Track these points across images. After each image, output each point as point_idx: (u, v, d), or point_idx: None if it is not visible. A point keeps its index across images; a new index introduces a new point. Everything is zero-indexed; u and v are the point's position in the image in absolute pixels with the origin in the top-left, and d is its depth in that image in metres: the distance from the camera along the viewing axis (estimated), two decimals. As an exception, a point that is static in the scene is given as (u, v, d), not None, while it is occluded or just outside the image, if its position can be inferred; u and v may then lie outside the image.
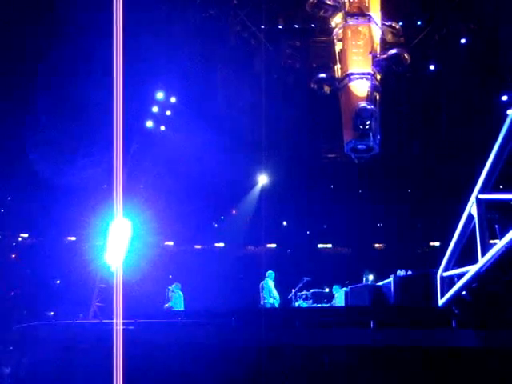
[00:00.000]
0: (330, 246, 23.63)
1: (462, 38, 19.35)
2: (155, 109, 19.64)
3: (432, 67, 20.24)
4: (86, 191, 19.52)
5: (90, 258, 17.14)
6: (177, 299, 16.43)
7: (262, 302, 15.67)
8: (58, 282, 20.93)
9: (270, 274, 15.97)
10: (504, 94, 19.39)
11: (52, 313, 18.95)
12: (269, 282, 15.79)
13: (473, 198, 9.04)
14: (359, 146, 14.28)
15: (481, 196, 8.86)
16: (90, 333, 11.62)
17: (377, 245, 23.54)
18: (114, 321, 10.22)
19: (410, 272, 15.20)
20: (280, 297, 15.86)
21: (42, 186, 19.69)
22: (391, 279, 12.93)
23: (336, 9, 15.36)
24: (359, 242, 22.35)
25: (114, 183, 10.44)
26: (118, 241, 16.23)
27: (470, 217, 9.17)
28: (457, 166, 18.99)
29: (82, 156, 18.00)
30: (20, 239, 23.53)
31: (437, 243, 22.23)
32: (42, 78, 17.90)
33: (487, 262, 8.59)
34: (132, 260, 16.20)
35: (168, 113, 20.00)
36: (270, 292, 15.63)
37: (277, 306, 15.73)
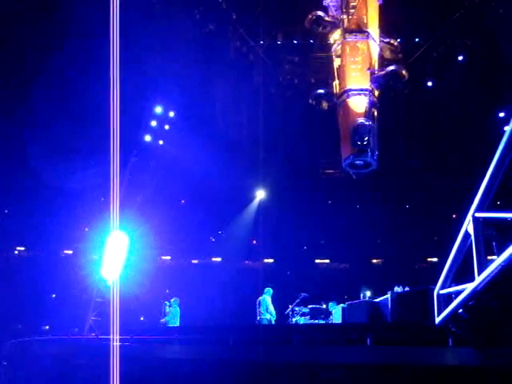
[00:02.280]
0: (327, 261, 23.60)
1: (460, 54, 19.52)
2: (154, 123, 19.71)
3: (430, 84, 20.38)
4: (83, 205, 19.52)
5: (86, 272, 17.09)
6: (173, 314, 16.36)
7: (258, 318, 15.60)
8: (54, 295, 20.82)
9: (268, 290, 15.92)
10: (501, 111, 19.49)
11: (47, 327, 18.83)
12: (266, 298, 15.73)
13: (469, 216, 9.01)
14: (357, 162, 14.24)
15: (477, 214, 8.84)
16: (85, 348, 11.53)
17: (374, 260, 23.53)
18: (111, 337, 10.13)
19: (407, 288, 15.16)
20: (277, 312, 15.79)
21: (38, 199, 19.67)
22: (388, 296, 12.88)
23: (334, 25, 15.42)
24: (357, 257, 22.34)
25: (111, 196, 10.40)
26: (115, 255, 16.20)
27: (467, 235, 9.15)
28: (455, 182, 19.06)
29: (80, 169, 17.99)
30: (16, 252, 23.46)
31: (435, 259, 22.20)
32: (40, 90, 17.92)
33: (484, 280, 8.55)
34: (129, 274, 16.16)
35: (166, 127, 20.07)
36: (267, 308, 15.57)
37: (273, 322, 15.66)
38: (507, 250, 7.76)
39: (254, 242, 23.46)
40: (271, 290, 15.89)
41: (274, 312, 15.67)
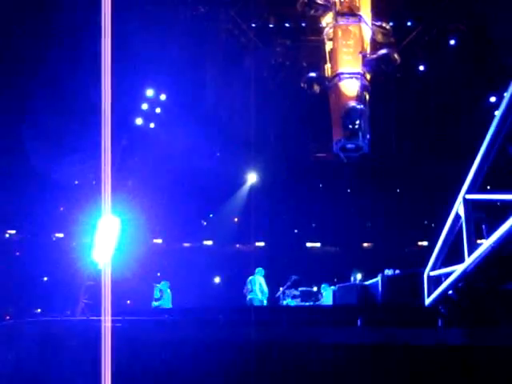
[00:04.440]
0: (318, 244, 23.71)
1: (451, 38, 19.54)
2: (145, 106, 19.61)
3: (421, 67, 20.42)
4: (75, 188, 19.45)
5: (77, 256, 17.07)
6: (167, 297, 16.43)
7: (248, 298, 15.68)
8: (46, 278, 20.82)
9: (260, 270, 16.01)
10: (492, 95, 19.57)
11: (39, 310, 18.84)
12: (257, 278, 15.82)
13: (460, 198, 9.08)
14: (348, 146, 14.34)
15: (468, 196, 8.91)
16: (76, 329, 11.54)
17: (365, 244, 23.66)
18: (102, 318, 10.16)
19: (397, 271, 15.28)
20: (268, 295, 15.89)
21: (29, 182, 19.57)
22: (379, 278, 12.98)
23: (327, 8, 15.40)
24: (347, 241, 22.45)
25: (103, 180, 10.37)
26: (106, 238, 16.17)
27: (457, 217, 9.22)
28: (445, 166, 19.14)
29: (71, 152, 17.90)
30: (7, 235, 23.38)
31: (425, 243, 22.37)
32: (28, 76, 17.79)
33: (474, 261, 8.64)
34: (120, 257, 16.15)
35: (158, 110, 19.97)
36: (260, 285, 15.66)
37: (265, 301, 15.76)
38: (497, 232, 7.83)
39: (246, 225, 23.43)
40: (263, 270, 15.98)
41: (266, 291, 15.77)
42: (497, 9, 18.02)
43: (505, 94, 7.90)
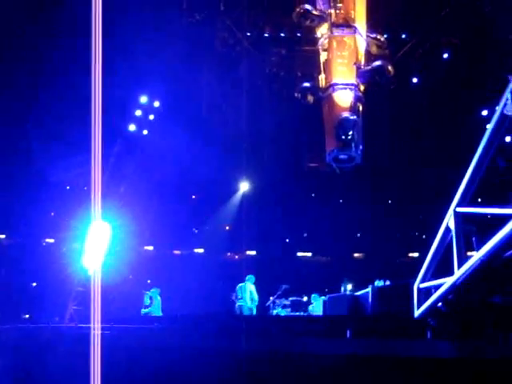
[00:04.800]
0: (309, 254, 23.71)
1: (445, 52, 19.70)
2: (138, 112, 19.60)
3: (415, 80, 20.55)
4: (66, 193, 19.36)
5: (67, 261, 16.97)
6: (157, 305, 16.39)
7: (236, 304, 15.66)
8: (35, 284, 20.67)
9: (251, 277, 16.03)
10: (484, 109, 19.72)
11: (27, 315, 18.69)
12: (247, 285, 15.81)
13: (450, 211, 9.14)
14: (341, 156, 14.36)
15: (458, 209, 8.97)
16: (65, 337, 11.47)
17: (356, 254, 23.68)
18: (91, 325, 10.09)
19: (388, 282, 15.34)
20: (258, 304, 15.87)
21: (20, 186, 19.46)
22: (369, 289, 13.01)
23: (322, 19, 15.45)
24: (339, 251, 22.47)
25: (93, 186, 10.32)
26: (97, 244, 16.10)
27: (448, 229, 9.27)
28: (437, 178, 19.23)
29: (63, 157, 17.82)
30: (-3, 240, 23.23)
31: (416, 254, 22.41)
32: (20, 78, 17.72)
33: (463, 274, 8.69)
34: (110, 263, 16.07)
35: (151, 117, 19.96)
36: (250, 293, 15.65)
37: (254, 309, 15.74)
38: (486, 245, 7.88)
39: (237, 233, 23.41)
40: (253, 278, 15.98)
41: (256, 299, 15.75)
42: (489, 23, 18.25)
43: (496, 108, 7.98)
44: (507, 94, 6.44)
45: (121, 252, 17.34)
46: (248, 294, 15.72)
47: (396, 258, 22.59)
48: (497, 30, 18.23)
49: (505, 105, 6.88)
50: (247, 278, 16.01)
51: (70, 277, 16.61)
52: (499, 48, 17.86)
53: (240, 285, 15.92)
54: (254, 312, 15.81)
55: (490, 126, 8.13)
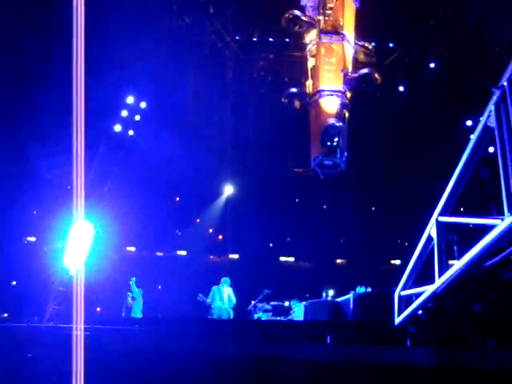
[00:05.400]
0: (292, 259, 23.74)
1: (431, 61, 19.94)
2: (124, 113, 19.52)
3: (401, 88, 20.75)
4: (49, 191, 19.17)
5: (49, 261, 16.82)
6: (137, 306, 16.34)
7: (212, 306, 15.64)
8: (15, 283, 20.44)
9: (226, 280, 15.98)
10: (469, 119, 19.95)
11: (5, 315, 18.47)
12: (225, 289, 15.79)
13: (433, 220, 9.22)
14: (326, 162, 14.37)
15: (440, 218, 9.05)
16: (43, 337, 11.36)
17: (339, 260, 23.76)
18: (73, 325, 10.01)
19: (369, 289, 15.41)
20: (240, 308, 15.85)
21: (2, 184, 19.24)
22: (350, 296, 13.08)
23: (311, 25, 15.48)
24: (321, 256, 22.52)
25: (75, 185, 10.24)
26: (79, 244, 15.99)
27: (430, 238, 9.35)
28: (421, 186, 19.36)
29: (45, 156, 17.68)
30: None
31: (398, 261, 22.56)
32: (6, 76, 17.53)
33: (444, 282, 8.77)
34: (93, 264, 15.97)
35: (137, 117, 19.89)
36: (228, 296, 15.64)
37: (231, 311, 15.70)
38: (467, 255, 7.96)
39: (220, 237, 23.46)
40: (229, 280, 15.96)
41: (234, 301, 15.72)
42: (475, 34, 18.50)
43: (480, 119, 8.07)
44: (491, 106, 6.53)
45: (103, 252, 17.24)
46: (226, 296, 15.71)
47: (378, 265, 22.69)
48: (483, 42, 18.49)
49: (488, 116, 6.97)
50: (223, 280, 15.97)
51: (51, 276, 16.47)
52: (485, 59, 18.10)
53: (215, 287, 15.90)
54: (231, 315, 15.80)
55: (473, 137, 8.23)
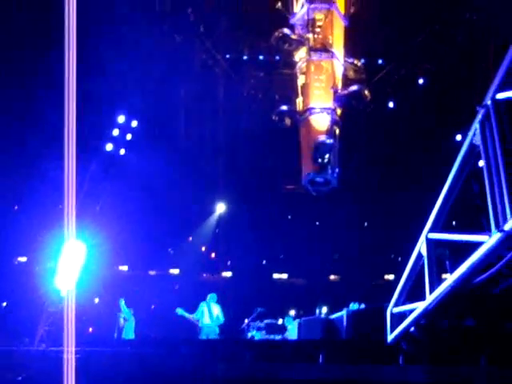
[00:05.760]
0: (285, 276, 23.65)
1: (420, 77, 20.15)
2: (116, 132, 19.54)
3: (391, 104, 20.92)
4: (40, 210, 19.08)
5: (40, 281, 16.69)
6: (129, 327, 16.19)
7: (199, 324, 15.50)
8: (5, 304, 20.26)
9: (213, 296, 15.82)
10: (458, 133, 20.10)
11: (-5, 336, 18.28)
12: (212, 306, 15.65)
13: (423, 237, 9.24)
14: (317, 179, 14.44)
15: (430, 235, 9.07)
16: (34, 360, 11.25)
17: (332, 276, 23.71)
18: (64, 348, 9.91)
19: (362, 305, 15.35)
20: (233, 327, 15.74)
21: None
22: (344, 313, 13.04)
23: (300, 43, 15.64)
24: (315, 273, 22.47)
25: (66, 204, 10.21)
26: (71, 264, 15.89)
27: (420, 255, 9.36)
28: (413, 200, 19.41)
29: (37, 175, 17.64)
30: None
31: (391, 276, 22.52)
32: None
33: (435, 299, 8.76)
34: (85, 284, 15.86)
35: (129, 136, 19.92)
36: (211, 312, 15.48)
37: (216, 328, 15.56)
38: (456, 271, 7.97)
39: (213, 255, 23.40)
40: (215, 296, 15.83)
41: (222, 319, 15.58)
42: (462, 50, 18.76)
43: (469, 133, 8.09)
44: (476, 125, 6.58)
45: (95, 272, 17.14)
46: (215, 313, 15.56)
47: (372, 280, 22.65)
48: (470, 57, 18.73)
49: (474, 134, 7.04)
50: (209, 297, 15.72)
51: (42, 297, 16.33)
52: (473, 74, 18.32)
53: (202, 304, 15.75)
54: (217, 332, 15.62)
55: (459, 155, 8.28)
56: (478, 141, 6.90)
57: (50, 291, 15.72)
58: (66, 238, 13.81)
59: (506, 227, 5.35)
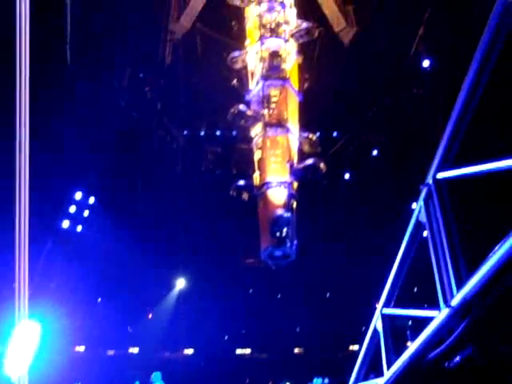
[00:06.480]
0: (248, 351, 23.14)
1: (374, 149, 20.80)
2: (73, 208, 19.35)
3: (347, 175, 21.40)
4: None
5: (-11, 367, 15.91)
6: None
7: None
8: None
9: (157, 375, 13.67)
10: (413, 202, 20.57)
11: None
12: None
13: (377, 312, 9.19)
14: (276, 253, 14.48)
15: (385, 311, 9.03)
16: None
17: (296, 349, 23.31)
18: None
19: (326, 380, 15.08)
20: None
21: None
22: (307, 390, 12.76)
23: (255, 119, 16.06)
24: (278, 346, 22.07)
25: (17, 284, 9.89)
26: (23, 347, 15.23)
27: (376, 330, 9.28)
28: (372, 271, 19.50)
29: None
30: None
31: (356, 347, 22.26)
32: None
33: (391, 376, 8.64)
34: (38, 368, 15.16)
35: (86, 213, 19.73)
36: None
37: None
38: (410, 347, 7.91)
39: (173, 332, 22.76)
40: (159, 375, 14.57)
41: None
42: (411, 122, 19.54)
43: (415, 210, 8.24)
44: (420, 202, 6.74)
45: (50, 354, 16.44)
46: None
47: (337, 352, 22.33)
48: (421, 129, 19.47)
49: (419, 212, 7.18)
50: (153, 376, 13.66)
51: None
52: (425, 143, 18.97)
53: None
54: None
55: (408, 232, 8.39)
56: (423, 218, 7.02)
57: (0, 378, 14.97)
58: (17, 319, 13.34)
59: (453, 303, 5.38)
